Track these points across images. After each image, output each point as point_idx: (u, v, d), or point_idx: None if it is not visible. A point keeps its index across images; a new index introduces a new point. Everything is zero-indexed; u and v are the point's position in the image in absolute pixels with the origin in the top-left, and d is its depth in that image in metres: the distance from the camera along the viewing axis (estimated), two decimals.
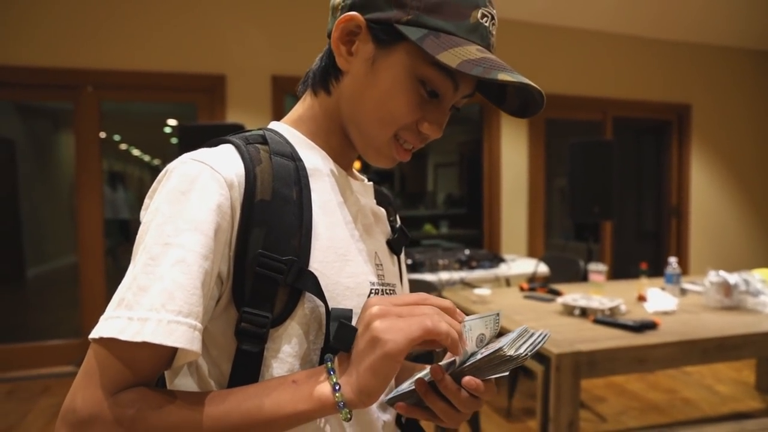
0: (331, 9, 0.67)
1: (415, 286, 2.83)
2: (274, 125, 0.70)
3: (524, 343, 0.57)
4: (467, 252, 3.77)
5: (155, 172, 4.38)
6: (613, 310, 2.17)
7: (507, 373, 0.56)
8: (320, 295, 0.59)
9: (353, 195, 0.70)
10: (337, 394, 0.52)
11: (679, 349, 1.87)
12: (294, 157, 0.64)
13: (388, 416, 0.69)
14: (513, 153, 4.79)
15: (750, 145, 5.60)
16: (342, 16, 0.62)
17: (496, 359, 0.55)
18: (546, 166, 5.03)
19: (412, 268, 3.46)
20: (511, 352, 0.55)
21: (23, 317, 4.59)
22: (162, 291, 0.51)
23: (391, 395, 0.65)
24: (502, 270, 3.63)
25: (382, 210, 0.76)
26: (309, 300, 0.59)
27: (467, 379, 0.54)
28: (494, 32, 0.63)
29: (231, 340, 0.57)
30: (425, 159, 7.39)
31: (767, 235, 5.65)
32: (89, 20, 3.70)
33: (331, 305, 0.59)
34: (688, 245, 5.41)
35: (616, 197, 3.87)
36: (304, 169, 0.64)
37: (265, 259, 0.56)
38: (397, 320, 0.51)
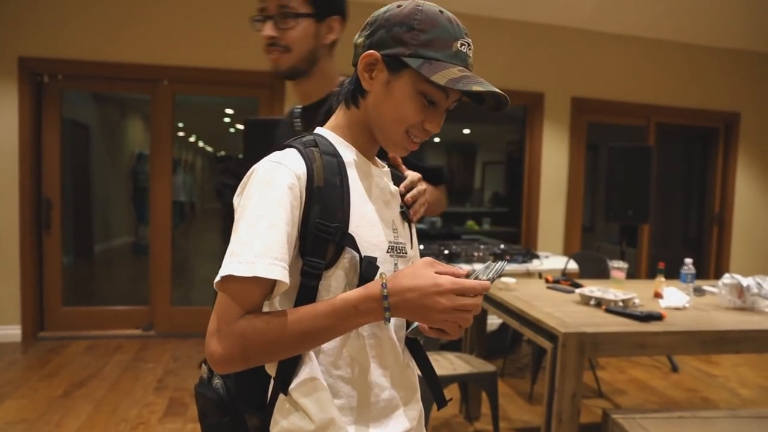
0: (354, 46, 0.96)
1: None
2: (319, 131, 0.99)
3: (491, 271, 0.85)
4: (502, 246, 4.00)
5: (211, 158, 4.69)
6: (626, 302, 2.36)
7: None
8: (356, 248, 0.87)
9: (376, 179, 0.98)
10: (386, 313, 0.80)
11: (679, 338, 2.06)
12: (336, 155, 0.92)
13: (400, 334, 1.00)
14: (554, 154, 4.95)
15: None
16: (364, 53, 0.90)
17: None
18: (590, 168, 5.16)
19: (448, 259, 3.71)
20: (482, 277, 0.83)
21: (95, 286, 5.15)
22: (262, 245, 0.79)
23: (410, 329, 0.95)
24: (535, 265, 3.83)
25: (396, 188, 1.05)
26: (348, 252, 0.88)
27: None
28: (471, 54, 0.91)
29: (297, 278, 0.86)
30: (474, 156, 7.28)
31: None
32: (166, 21, 4.13)
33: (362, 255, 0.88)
34: (729, 253, 5.43)
35: (654, 202, 3.99)
36: (343, 163, 0.92)
37: (321, 225, 0.85)
38: (450, 307, 0.78)
